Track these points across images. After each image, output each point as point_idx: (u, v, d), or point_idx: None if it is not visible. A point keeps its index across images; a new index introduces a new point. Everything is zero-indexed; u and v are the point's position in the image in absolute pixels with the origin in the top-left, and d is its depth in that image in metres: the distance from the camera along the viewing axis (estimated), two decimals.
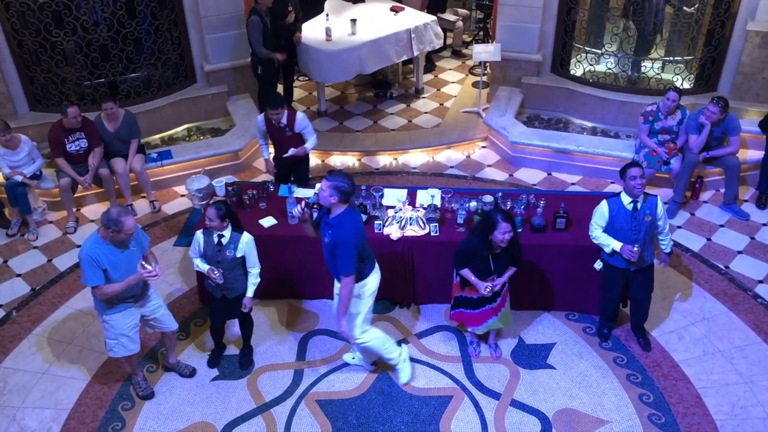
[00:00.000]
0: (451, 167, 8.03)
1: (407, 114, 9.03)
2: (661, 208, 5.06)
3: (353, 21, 8.47)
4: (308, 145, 6.42)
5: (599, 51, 8.22)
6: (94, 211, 7.31)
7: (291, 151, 6.33)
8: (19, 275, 6.44)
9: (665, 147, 7.06)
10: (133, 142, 7.11)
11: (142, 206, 7.32)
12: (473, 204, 5.76)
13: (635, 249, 5.00)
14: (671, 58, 8.00)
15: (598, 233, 5.15)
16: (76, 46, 7.57)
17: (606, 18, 8.04)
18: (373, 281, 4.88)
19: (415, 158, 8.20)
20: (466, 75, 9.99)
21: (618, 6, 7.93)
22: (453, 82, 9.80)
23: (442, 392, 5.22)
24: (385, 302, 6.00)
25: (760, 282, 6.22)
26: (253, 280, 5.06)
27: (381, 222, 5.65)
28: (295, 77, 9.40)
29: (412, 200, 5.96)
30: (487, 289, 4.93)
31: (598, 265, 5.33)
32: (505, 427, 4.96)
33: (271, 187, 6.13)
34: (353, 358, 5.42)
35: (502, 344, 5.57)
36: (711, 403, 5.10)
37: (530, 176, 7.81)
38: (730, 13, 7.55)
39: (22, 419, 5.06)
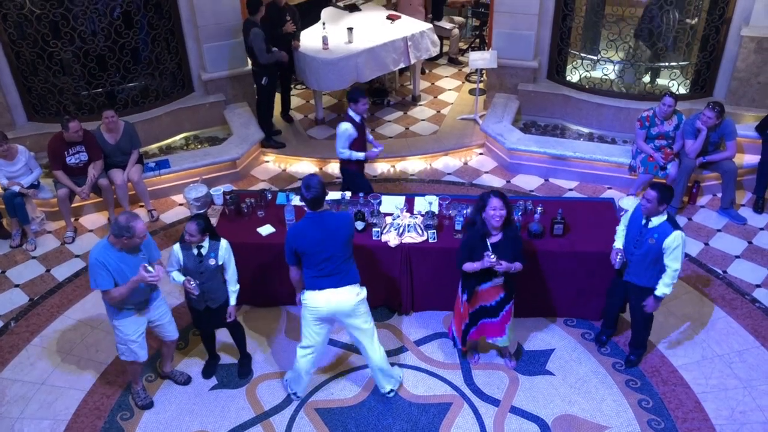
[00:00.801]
0: (449, 174, 8.04)
1: (404, 121, 9.05)
2: (671, 243, 4.72)
3: (350, 29, 8.50)
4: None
5: (595, 57, 8.25)
6: (92, 221, 7.31)
7: (377, 150, 6.39)
8: (17, 285, 6.44)
9: (662, 152, 7.08)
10: (134, 152, 7.13)
11: (140, 215, 7.30)
12: (471, 210, 5.75)
13: (618, 258, 4.98)
14: (667, 64, 8.03)
15: (618, 228, 5.17)
16: (74, 56, 7.59)
17: (601, 24, 8.08)
18: (311, 299, 4.70)
19: (413, 165, 8.21)
20: (463, 82, 10.02)
21: (613, 13, 7.96)
22: (450, 90, 9.82)
23: (441, 399, 5.22)
24: (384, 309, 5.99)
25: (758, 286, 6.22)
26: (233, 288, 5.05)
27: (379, 229, 5.66)
28: (292, 85, 9.42)
29: (409, 207, 5.97)
30: (492, 257, 4.69)
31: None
32: None
33: (269, 196, 6.14)
34: (392, 385, 5.23)
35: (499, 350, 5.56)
36: (710, 408, 5.10)
37: (527, 182, 7.82)
38: (724, 18, 7.59)
39: (20, 430, 5.05)
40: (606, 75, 8.23)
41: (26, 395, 5.30)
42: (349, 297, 4.69)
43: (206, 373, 5.45)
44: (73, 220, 7.12)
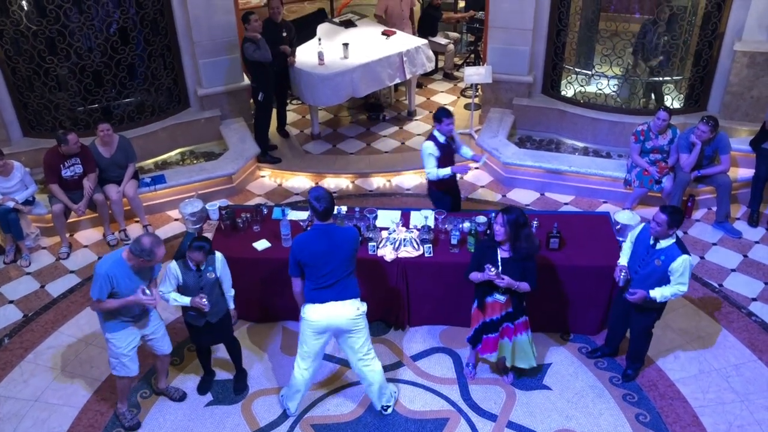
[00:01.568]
0: None
1: (400, 136, 9.08)
2: (677, 267, 4.70)
3: (345, 45, 8.56)
4: (467, 151, 6.28)
5: (589, 72, 8.31)
6: (87, 236, 7.30)
7: (476, 163, 6.39)
8: (11, 302, 6.41)
9: (657, 166, 7.12)
10: (130, 166, 7.14)
11: (135, 231, 7.31)
12: (467, 225, 5.77)
13: (622, 274, 4.97)
14: (661, 79, 8.09)
15: (624, 245, 5.17)
16: (70, 72, 7.62)
17: (596, 39, 8.14)
18: (311, 312, 4.69)
19: (409, 180, 8.23)
20: (458, 97, 10.08)
21: (607, 28, 8.04)
22: (445, 104, 9.87)
23: (438, 415, 5.20)
24: (380, 324, 5.98)
25: (754, 300, 6.24)
26: (230, 293, 5.10)
27: (375, 243, 5.66)
28: (288, 101, 9.45)
29: (405, 222, 5.98)
30: (492, 270, 4.72)
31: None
32: None
33: (265, 210, 6.14)
34: (387, 401, 5.21)
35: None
36: (708, 422, 5.08)
37: (523, 196, 7.85)
38: (717, 33, 7.66)
39: None
40: (600, 90, 8.28)
41: (19, 412, 5.27)
42: (350, 311, 4.69)
43: (202, 389, 5.42)
44: (68, 235, 7.11)
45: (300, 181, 8.27)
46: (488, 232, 4.94)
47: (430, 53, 9.13)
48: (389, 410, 5.19)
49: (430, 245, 5.65)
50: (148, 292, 4.61)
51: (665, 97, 8.15)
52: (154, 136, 8.16)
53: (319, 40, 8.83)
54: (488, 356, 5.23)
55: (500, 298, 4.96)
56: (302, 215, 6.07)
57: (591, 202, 7.71)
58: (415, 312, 5.92)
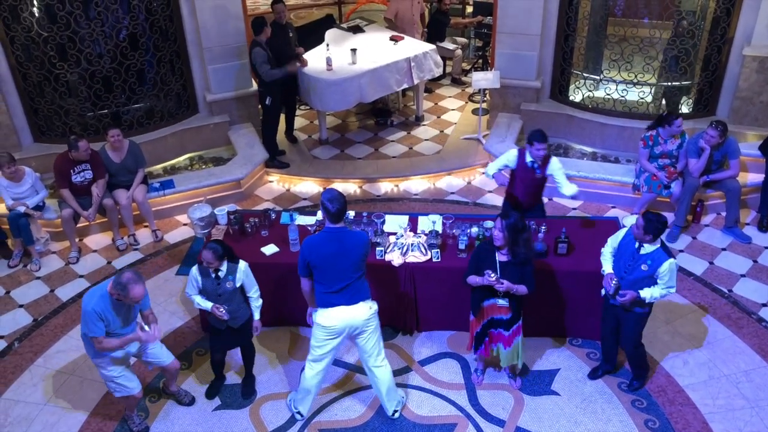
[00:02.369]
0: (452, 193, 8.07)
1: (408, 141, 9.10)
2: (664, 271, 4.73)
3: (353, 50, 8.59)
4: (565, 190, 5.95)
5: (597, 77, 8.31)
6: (96, 241, 7.34)
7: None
8: (21, 306, 6.45)
9: (665, 171, 7.10)
10: (140, 171, 7.18)
11: (144, 235, 7.35)
12: (475, 230, 5.78)
13: (614, 282, 4.92)
14: (669, 83, 8.08)
15: (605, 251, 5.13)
16: (80, 77, 7.68)
17: (604, 45, 8.14)
18: (324, 318, 4.72)
19: (416, 185, 8.25)
20: (466, 102, 10.09)
21: (615, 33, 8.03)
22: (453, 110, 9.88)
23: (446, 420, 5.19)
24: (388, 329, 5.98)
25: (764, 305, 6.20)
26: (256, 304, 5.10)
27: (383, 248, 5.67)
28: (297, 106, 9.49)
29: (413, 226, 5.99)
30: (492, 276, 4.74)
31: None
32: None
33: (273, 215, 6.17)
34: (396, 405, 5.23)
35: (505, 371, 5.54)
36: (718, 428, 5.06)
37: None
38: (726, 38, 7.64)
39: None
40: (609, 94, 8.28)
41: (29, 416, 5.30)
42: (362, 312, 4.74)
43: (210, 394, 5.44)
44: (77, 240, 7.16)
45: (308, 186, 8.29)
46: (482, 236, 5.02)
47: (438, 58, 9.15)
48: (397, 414, 5.19)
49: (438, 250, 5.66)
50: (147, 328, 4.58)
51: (678, 103, 8.12)
52: (163, 141, 8.20)
53: (327, 45, 8.86)
54: (501, 350, 5.21)
55: (501, 302, 4.97)
56: (310, 220, 6.09)
57: (599, 207, 7.70)
58: (422, 317, 5.92)
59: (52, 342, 5.99)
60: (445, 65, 10.26)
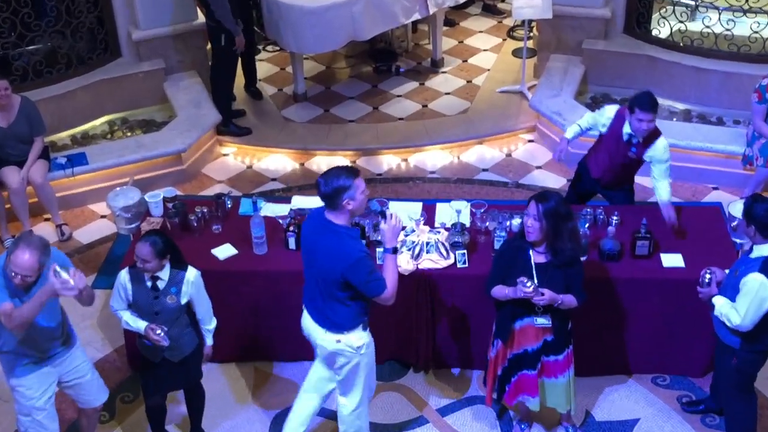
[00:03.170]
0: (485, 170, 8.08)
1: (421, 96, 9.09)
2: (745, 288, 4.64)
3: None
4: (661, 192, 6.05)
5: (693, 2, 8.29)
6: None
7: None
8: None
9: None
10: (37, 140, 7.16)
11: (46, 232, 7.35)
12: (516, 222, 5.77)
13: (708, 276, 4.90)
14: None
15: None
16: None
17: None
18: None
19: (434, 158, 8.26)
20: (504, 39, 10.07)
21: None
22: (485, 50, 9.87)
23: None
24: (394, 365, 6.01)
25: None
26: (209, 327, 5.13)
27: None
28: (259, 47, 9.47)
29: (429, 218, 5.99)
30: (528, 284, 4.72)
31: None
32: None
33: (229, 203, 6.17)
34: None
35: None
36: None
37: None
38: None
39: None
40: (709, 27, 8.26)
41: None
42: (325, 339, 4.85)
43: None
44: None
45: (278, 161, 8.30)
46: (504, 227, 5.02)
47: None
48: None
49: (465, 252, 5.67)
50: (64, 275, 4.47)
51: None
52: (71, 97, 8.19)
53: None
54: (524, 400, 5.22)
55: (541, 321, 4.96)
56: (282, 209, 6.10)
57: (695, 188, 7.71)
58: (443, 347, 5.94)
59: None
60: None
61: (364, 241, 5.66)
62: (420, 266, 5.63)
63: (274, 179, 8.06)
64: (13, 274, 4.43)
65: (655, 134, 5.88)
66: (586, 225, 5.83)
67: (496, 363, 5.21)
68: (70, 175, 7.55)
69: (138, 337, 5.06)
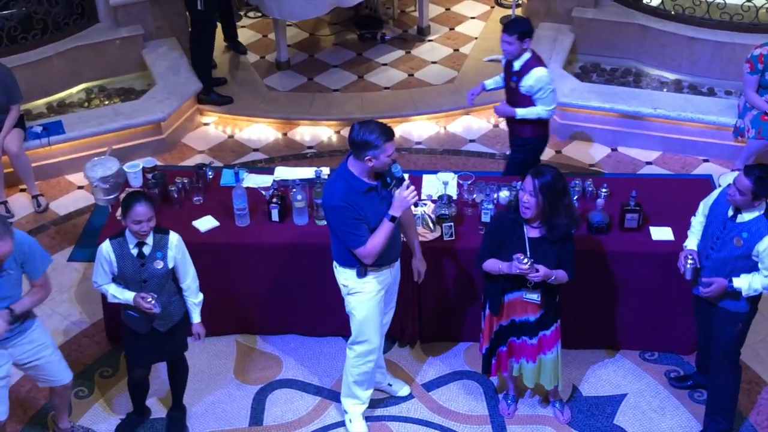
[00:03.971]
0: (472, 141, 8.08)
1: (407, 65, 9.06)
2: (767, 248, 4.72)
3: None
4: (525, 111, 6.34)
5: None
6: None
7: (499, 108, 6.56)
8: None
9: None
10: (13, 109, 7.11)
11: (21, 203, 7.32)
12: (505, 194, 5.77)
13: (690, 261, 4.94)
14: None
15: (694, 220, 5.15)
16: None
17: None
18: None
19: (420, 129, 8.25)
20: (492, 7, 10.03)
21: None
22: (473, 18, 9.84)
23: None
24: None
25: None
26: (195, 299, 5.10)
27: None
28: (241, 13, 9.40)
29: (415, 190, 5.97)
30: (525, 261, 4.74)
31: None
32: None
33: (210, 174, 6.14)
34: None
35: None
36: None
37: (586, 153, 7.85)
38: None
39: None
40: None
41: None
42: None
43: None
44: None
45: (260, 131, 8.28)
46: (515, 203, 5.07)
47: None
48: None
49: (452, 224, 5.66)
50: None
51: None
52: (47, 64, 8.13)
53: None
54: (519, 364, 5.25)
55: (532, 297, 4.99)
56: (265, 180, 6.07)
57: (685, 160, 7.72)
58: (429, 321, 5.95)
59: None
60: None
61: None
62: (405, 239, 5.62)
63: (256, 149, 8.03)
64: None
65: (532, 65, 6.18)
66: (575, 197, 5.82)
67: (483, 337, 5.26)
68: (46, 144, 7.50)
69: (124, 310, 5.03)
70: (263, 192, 5.87)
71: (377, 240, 4.73)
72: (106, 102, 8.25)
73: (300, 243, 5.66)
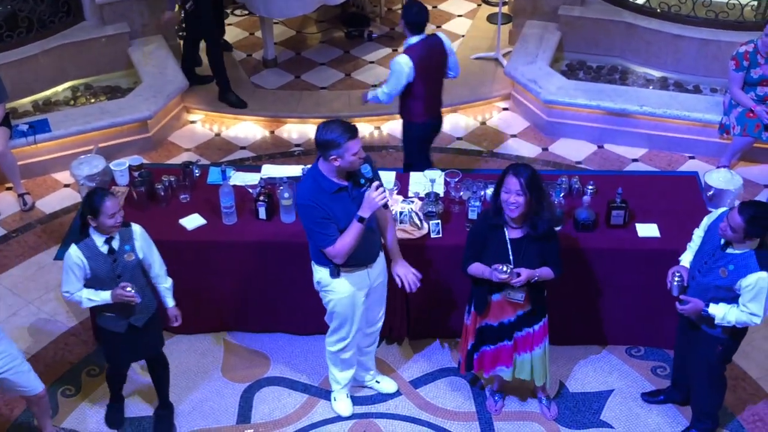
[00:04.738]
0: (459, 139, 8.10)
1: None
2: (750, 286, 4.61)
3: None
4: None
5: None
6: None
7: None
8: None
9: (767, 104, 7.14)
10: None
11: (7, 202, 7.31)
12: (492, 191, 5.79)
13: (677, 278, 4.91)
14: None
15: (694, 235, 5.09)
16: None
17: None
18: None
19: None
20: (479, 5, 10.04)
21: None
22: (459, 16, 9.86)
23: None
24: None
25: None
26: (166, 284, 5.13)
27: None
28: (227, 11, 9.40)
29: (402, 187, 6.00)
30: (505, 270, 4.76)
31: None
32: None
33: (197, 172, 6.14)
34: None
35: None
36: None
37: (573, 150, 7.89)
38: None
39: None
40: None
41: None
42: None
43: (113, 421, 5.49)
44: None
45: (247, 129, 8.28)
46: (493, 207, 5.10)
47: None
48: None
49: (439, 221, 5.68)
50: None
51: None
52: (33, 63, 8.11)
53: None
54: (499, 372, 5.29)
55: (516, 296, 5.01)
56: (251, 178, 6.07)
57: (671, 157, 7.76)
58: (416, 318, 5.97)
59: None
60: None
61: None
62: None
63: (243, 147, 8.03)
64: None
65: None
66: (561, 194, 5.85)
67: (467, 333, 5.29)
68: (32, 142, 7.48)
69: (99, 313, 5.03)
70: (250, 190, 5.86)
71: (346, 240, 4.74)
72: (92, 100, 8.23)
73: (287, 241, 5.66)
